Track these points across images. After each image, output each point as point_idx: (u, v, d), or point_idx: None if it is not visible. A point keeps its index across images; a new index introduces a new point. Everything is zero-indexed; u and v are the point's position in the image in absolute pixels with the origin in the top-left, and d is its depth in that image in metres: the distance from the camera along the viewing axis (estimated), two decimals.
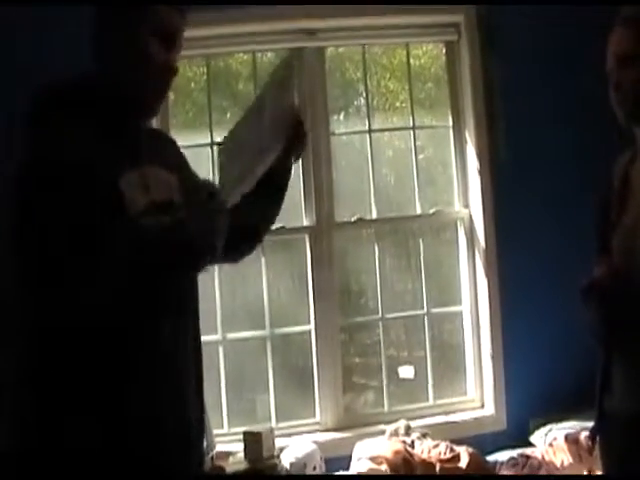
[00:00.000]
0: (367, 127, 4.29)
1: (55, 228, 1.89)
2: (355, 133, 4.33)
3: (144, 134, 2.18)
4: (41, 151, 2.00)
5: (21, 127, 2.07)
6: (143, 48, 2.08)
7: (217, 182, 2.03)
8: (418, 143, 4.38)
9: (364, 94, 4.42)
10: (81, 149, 1.96)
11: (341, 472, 3.81)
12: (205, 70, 4.15)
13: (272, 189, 2.36)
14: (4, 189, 1.96)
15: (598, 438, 2.56)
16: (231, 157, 2.18)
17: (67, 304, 1.89)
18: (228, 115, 4.07)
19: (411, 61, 4.39)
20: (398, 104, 4.53)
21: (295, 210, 4.14)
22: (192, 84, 4.12)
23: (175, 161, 2.20)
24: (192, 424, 2.18)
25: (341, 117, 4.47)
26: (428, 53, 4.56)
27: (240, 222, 2.10)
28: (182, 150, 2.41)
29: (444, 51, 4.40)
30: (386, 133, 4.48)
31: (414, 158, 4.35)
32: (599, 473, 3.17)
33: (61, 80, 2.13)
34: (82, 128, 2.01)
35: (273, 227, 3.94)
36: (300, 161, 4.03)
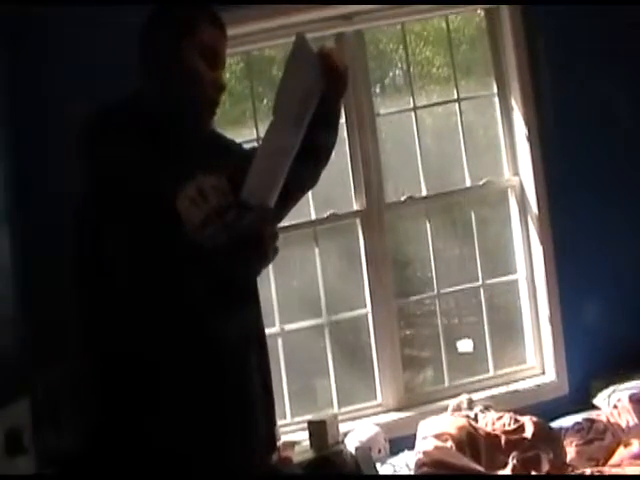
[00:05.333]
0: (411, 104, 4.22)
1: (119, 250, 1.95)
2: (400, 112, 4.26)
3: (199, 144, 2.20)
4: (99, 175, 2.04)
5: (77, 154, 2.10)
6: (190, 67, 2.10)
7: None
8: (462, 108, 4.31)
9: (400, 65, 4.36)
10: (137, 171, 1.99)
11: (406, 452, 3.83)
12: (239, 59, 4.15)
13: (325, 124, 2.33)
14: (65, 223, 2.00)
15: None
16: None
17: (133, 323, 1.95)
18: (265, 101, 4.02)
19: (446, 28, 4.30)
20: (435, 70, 4.44)
21: (345, 196, 4.13)
22: (227, 74, 4.09)
23: (228, 163, 2.18)
24: (259, 418, 2.20)
25: (377, 89, 4.38)
26: (461, 15, 4.41)
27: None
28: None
29: (484, 19, 4.31)
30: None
31: (460, 129, 4.29)
32: None
33: (112, 102, 2.16)
34: (136, 149, 2.03)
35: (325, 215, 4.01)
36: (347, 146, 4.07)
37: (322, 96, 2.14)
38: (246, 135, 3.92)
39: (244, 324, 2.17)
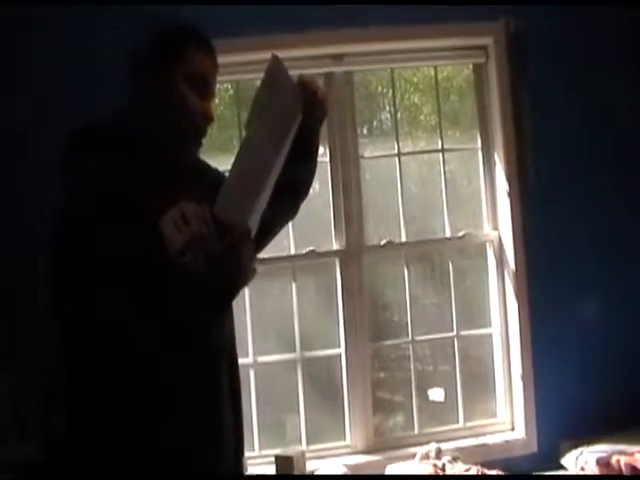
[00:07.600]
0: (396, 149, 4.27)
1: (95, 267, 1.92)
2: (384, 157, 4.30)
3: (183, 171, 2.20)
4: (80, 192, 2.03)
5: (59, 170, 2.10)
6: (179, 95, 2.10)
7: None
8: (446, 158, 4.35)
9: (388, 109, 4.39)
10: (120, 191, 2.00)
11: None
12: (229, 86, 4.19)
13: (304, 154, 2.35)
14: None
15: None
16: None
17: (105, 340, 1.93)
18: None
19: (436, 78, 4.36)
20: (423, 117, 4.48)
21: (325, 234, 4.14)
22: (217, 99, 4.14)
23: (211, 192, 2.21)
24: (228, 445, 2.21)
25: (365, 131, 4.40)
26: (451, 65, 4.46)
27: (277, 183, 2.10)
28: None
29: (472, 73, 4.38)
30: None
31: (443, 180, 4.32)
32: None
33: (97, 120, 2.16)
34: (119, 169, 2.05)
35: (303, 251, 4.04)
36: (330, 185, 4.11)
37: (301, 126, 2.15)
38: (230, 162, 3.93)
39: (218, 337, 2.18)
